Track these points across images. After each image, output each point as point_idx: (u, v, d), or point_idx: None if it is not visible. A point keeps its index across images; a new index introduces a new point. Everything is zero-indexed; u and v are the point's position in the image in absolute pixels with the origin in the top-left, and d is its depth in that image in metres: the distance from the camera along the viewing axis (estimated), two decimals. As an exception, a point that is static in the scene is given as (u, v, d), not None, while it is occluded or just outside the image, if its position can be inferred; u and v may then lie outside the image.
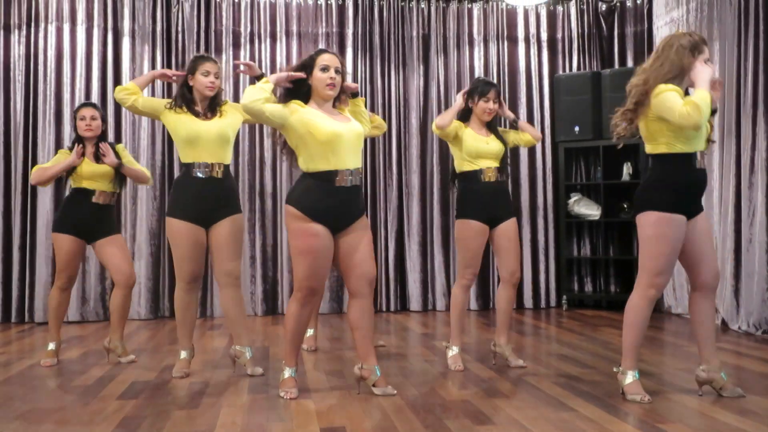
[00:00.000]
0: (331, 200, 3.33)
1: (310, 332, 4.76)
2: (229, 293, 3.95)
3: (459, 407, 3.19)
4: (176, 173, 6.47)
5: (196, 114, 3.91)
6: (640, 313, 3.26)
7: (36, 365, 4.32)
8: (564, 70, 7.15)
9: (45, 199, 6.27)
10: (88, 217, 4.32)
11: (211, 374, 3.99)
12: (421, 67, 6.96)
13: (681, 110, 3.05)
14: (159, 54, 6.56)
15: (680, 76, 3.23)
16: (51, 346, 4.37)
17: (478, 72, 7.02)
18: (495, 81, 7.00)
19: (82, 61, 6.46)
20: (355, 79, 6.59)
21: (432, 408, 3.19)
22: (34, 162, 6.24)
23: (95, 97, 6.40)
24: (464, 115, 4.18)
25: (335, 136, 3.30)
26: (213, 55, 6.56)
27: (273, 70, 6.73)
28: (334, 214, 3.36)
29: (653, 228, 3.21)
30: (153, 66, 6.54)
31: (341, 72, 3.43)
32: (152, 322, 6.22)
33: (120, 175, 4.37)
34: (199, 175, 3.85)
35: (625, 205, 6.74)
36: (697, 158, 3.23)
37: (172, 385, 3.72)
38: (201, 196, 3.85)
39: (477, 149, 4.05)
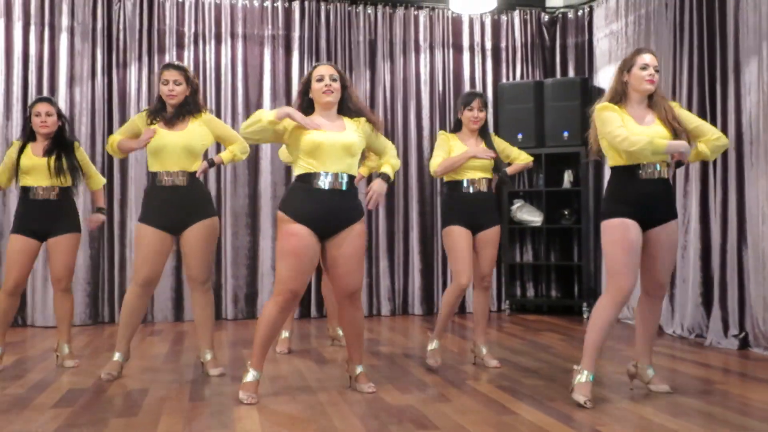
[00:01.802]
0: (312, 203, 3.38)
1: (285, 334, 4.80)
2: (195, 297, 4.04)
3: (403, 412, 3.20)
4: (116, 174, 6.32)
5: (166, 123, 3.92)
6: (603, 315, 3.34)
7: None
8: (507, 78, 7.27)
9: (7, 201, 6.05)
10: (34, 215, 4.20)
11: (150, 381, 3.91)
12: (368, 72, 6.97)
13: (613, 130, 3.29)
14: (99, 52, 6.39)
15: (624, 96, 3.44)
16: None
17: (424, 78, 7.08)
18: (440, 88, 7.08)
19: (19, 58, 6.24)
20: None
21: (377, 413, 3.19)
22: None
23: (32, 95, 6.20)
24: (457, 126, 4.31)
25: (315, 145, 3.37)
26: (156, 55, 6.48)
27: (218, 72, 6.65)
28: (318, 218, 3.37)
29: (607, 234, 3.38)
30: (93, 64, 6.36)
31: (338, 79, 3.51)
32: (90, 328, 6.05)
33: (62, 169, 4.21)
34: (163, 183, 3.88)
35: (566, 212, 6.89)
36: (644, 170, 3.37)
37: (111, 393, 3.63)
38: (168, 203, 3.88)
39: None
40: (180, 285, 6.48)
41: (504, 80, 7.22)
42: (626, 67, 3.45)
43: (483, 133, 4.27)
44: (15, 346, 5.13)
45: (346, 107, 3.56)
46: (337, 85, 3.49)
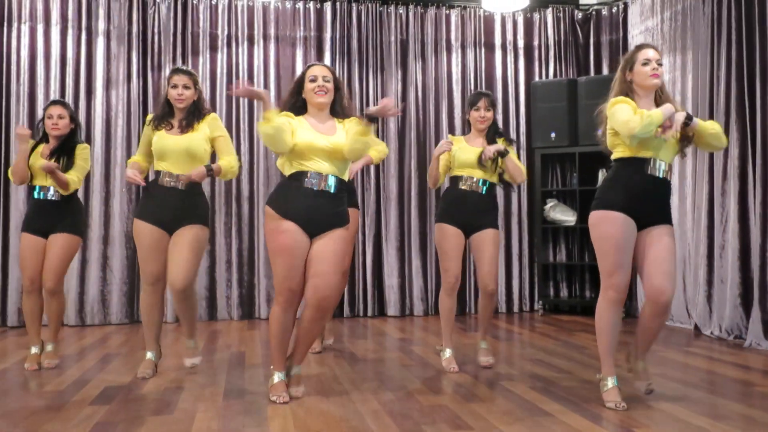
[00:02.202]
0: (301, 200, 3.37)
1: None
2: (174, 298, 3.91)
3: (436, 412, 3.19)
4: (151, 174, 6.40)
5: (171, 128, 3.93)
6: (604, 318, 3.27)
7: (7, 369, 4.24)
8: (540, 77, 7.21)
9: (18, 202, 6.17)
10: (39, 214, 4.28)
11: (185, 379, 3.95)
12: (399, 72, 6.97)
13: (622, 117, 3.16)
14: (135, 55, 6.49)
15: (630, 95, 3.34)
16: (34, 350, 4.30)
17: (456, 77, 7.05)
18: (472, 87, 7.04)
19: (57, 61, 6.37)
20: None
21: (409, 413, 3.18)
22: (8, 164, 6.14)
23: (69, 98, 6.32)
24: (468, 128, 4.30)
25: (307, 147, 3.36)
26: (190, 58, 6.56)
27: (251, 73, 6.70)
28: (305, 216, 3.37)
29: (597, 227, 3.26)
30: (128, 67, 6.47)
31: (331, 80, 3.49)
32: (126, 327, 6.15)
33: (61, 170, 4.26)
34: (164, 183, 3.90)
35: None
36: (650, 164, 3.24)
37: (146, 390, 3.68)
38: (165, 202, 3.88)
39: (460, 160, 4.17)
40: (213, 284, 6.54)
41: (537, 79, 7.16)
42: (628, 65, 3.35)
43: (493, 133, 4.23)
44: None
45: (336, 109, 3.55)
46: (330, 86, 3.47)
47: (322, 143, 3.38)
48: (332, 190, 3.41)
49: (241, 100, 6.66)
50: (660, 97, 3.38)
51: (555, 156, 7.06)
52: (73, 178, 4.27)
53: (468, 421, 3.03)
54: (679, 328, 5.76)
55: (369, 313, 6.77)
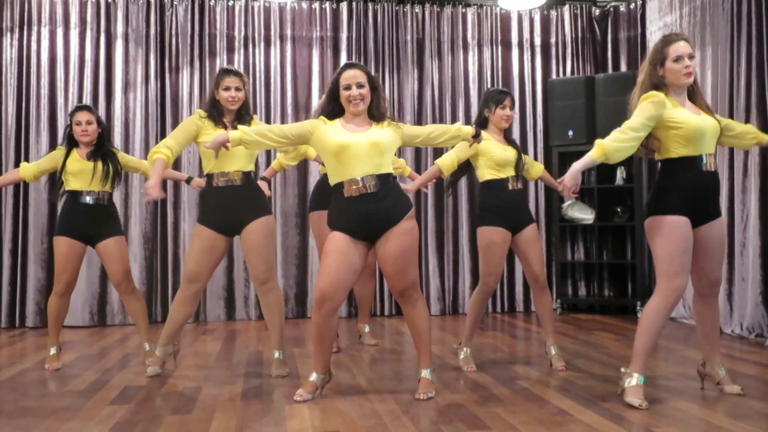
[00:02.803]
0: (346, 211, 3.37)
1: None
2: (259, 298, 4.09)
3: (454, 412, 3.18)
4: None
5: (225, 127, 3.92)
6: (656, 317, 3.22)
7: (27, 370, 4.29)
8: (557, 74, 7.17)
9: (39, 203, 6.24)
10: (81, 218, 4.31)
11: (204, 378, 3.97)
12: (416, 70, 6.96)
13: (627, 123, 3.22)
14: (153, 57, 6.54)
15: (662, 87, 3.28)
16: (53, 350, 4.35)
17: (473, 76, 7.03)
18: (489, 86, 7.02)
19: (76, 64, 6.44)
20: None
21: (427, 413, 3.18)
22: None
23: (88, 100, 6.38)
24: (482, 125, 4.23)
25: (341, 147, 3.33)
26: (207, 59, 6.60)
27: (267, 74, 6.73)
28: (353, 227, 3.36)
29: (662, 232, 3.21)
30: (146, 69, 6.52)
31: (366, 84, 3.42)
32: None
33: (109, 174, 4.32)
34: (219, 184, 3.91)
35: (619, 209, 6.76)
36: (703, 161, 3.23)
37: (165, 390, 3.70)
38: (223, 204, 3.91)
39: (505, 158, 4.11)
40: (231, 284, 6.57)
41: (554, 76, 7.13)
42: (658, 60, 3.24)
43: (509, 134, 4.24)
44: (74, 345, 5.28)
45: (373, 112, 3.47)
46: (365, 91, 3.40)
47: (354, 142, 3.34)
48: (373, 189, 3.36)
49: (273, 101, 6.69)
50: (693, 90, 3.32)
51: (573, 154, 7.00)
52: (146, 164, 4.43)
53: (486, 421, 3.02)
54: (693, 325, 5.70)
55: (386, 313, 6.77)
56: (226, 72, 3.99)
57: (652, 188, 3.36)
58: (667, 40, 3.27)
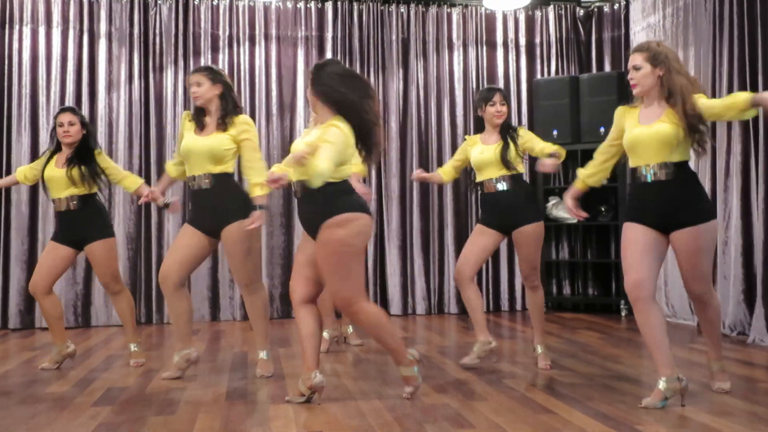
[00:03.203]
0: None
1: (325, 334, 4.68)
2: (244, 299, 4.10)
3: (438, 411, 3.18)
4: (153, 176, 6.39)
5: (203, 126, 3.89)
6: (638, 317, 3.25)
7: (10, 371, 4.24)
8: (542, 74, 7.19)
9: (20, 204, 6.19)
10: (62, 225, 4.34)
11: (188, 379, 3.95)
12: (401, 70, 6.97)
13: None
14: (136, 57, 6.50)
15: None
16: (55, 349, 4.33)
17: (458, 76, 7.04)
18: (474, 86, 7.03)
19: (58, 63, 6.38)
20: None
21: (411, 412, 3.18)
22: (8, 167, 6.15)
23: (70, 100, 6.33)
24: (480, 126, 4.28)
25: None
26: (192, 59, 6.56)
27: (252, 74, 6.70)
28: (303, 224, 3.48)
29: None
30: (130, 69, 6.48)
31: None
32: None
33: (84, 177, 4.25)
34: (192, 188, 3.92)
35: (603, 209, 6.79)
36: (642, 172, 3.28)
37: (149, 391, 3.67)
38: (200, 207, 3.91)
39: (479, 160, 4.16)
40: (216, 284, 6.54)
41: (539, 76, 7.15)
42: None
43: (506, 129, 4.19)
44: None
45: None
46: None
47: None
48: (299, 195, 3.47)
49: (257, 101, 6.66)
50: (670, 94, 3.27)
51: (557, 154, 7.04)
52: (135, 178, 4.48)
53: (470, 420, 3.02)
54: (682, 325, 5.75)
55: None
56: (192, 71, 3.98)
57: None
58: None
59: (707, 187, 5.46)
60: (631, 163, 3.33)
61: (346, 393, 3.57)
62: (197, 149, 3.84)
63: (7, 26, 6.33)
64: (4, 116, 6.27)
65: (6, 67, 6.30)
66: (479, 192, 4.25)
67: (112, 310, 6.29)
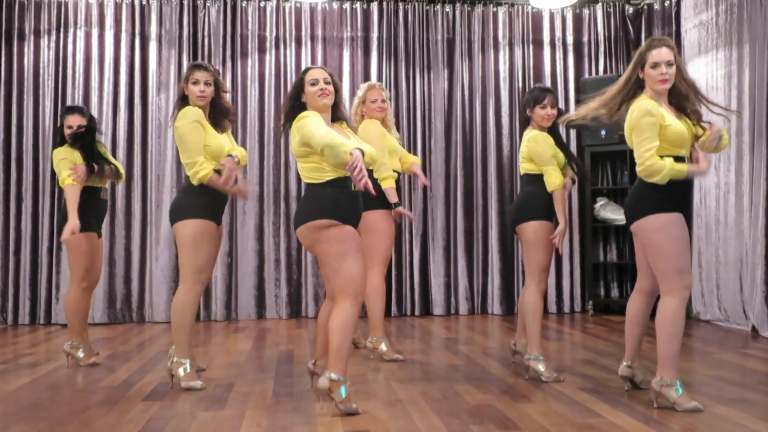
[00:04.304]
0: (351, 204, 3.33)
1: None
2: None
3: (484, 412, 3.17)
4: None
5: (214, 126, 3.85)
6: (680, 319, 3.21)
7: (62, 366, 4.36)
8: (590, 73, 7.10)
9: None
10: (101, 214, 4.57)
11: (236, 376, 4.00)
12: (446, 70, 6.95)
13: (643, 144, 3.26)
14: (186, 58, 6.61)
15: (642, 90, 3.37)
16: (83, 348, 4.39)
17: (504, 75, 6.99)
18: (520, 85, 6.97)
19: (110, 65, 6.54)
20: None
21: (457, 413, 3.17)
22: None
23: (123, 102, 6.49)
24: (525, 124, 4.15)
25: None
26: (239, 60, 6.66)
27: (297, 75, 6.73)
28: (356, 218, 3.36)
29: (667, 230, 3.22)
30: (179, 71, 6.60)
31: (332, 82, 3.41)
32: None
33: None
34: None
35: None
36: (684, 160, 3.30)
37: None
38: (223, 199, 3.86)
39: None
40: (262, 283, 6.61)
41: (586, 75, 7.05)
42: (639, 63, 3.32)
43: (553, 131, 4.12)
44: (109, 341, 5.36)
45: (336, 113, 3.46)
46: (332, 88, 3.39)
47: (354, 145, 3.24)
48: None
49: (274, 103, 6.72)
50: (674, 93, 3.32)
51: (605, 154, 6.94)
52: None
53: (516, 421, 3.00)
54: (736, 330, 5.60)
55: (416, 312, 6.76)
56: (195, 66, 3.84)
57: (644, 185, 3.27)
58: (650, 45, 3.31)
59: (763, 188, 5.31)
60: (677, 152, 3.25)
61: (392, 393, 3.57)
62: (226, 149, 3.81)
63: (62, 30, 6.51)
64: (59, 117, 6.42)
65: (61, 70, 6.49)
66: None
67: (159, 307, 6.42)
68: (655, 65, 3.26)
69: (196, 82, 3.80)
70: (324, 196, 3.24)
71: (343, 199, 3.26)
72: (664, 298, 3.22)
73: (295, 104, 3.39)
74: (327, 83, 3.37)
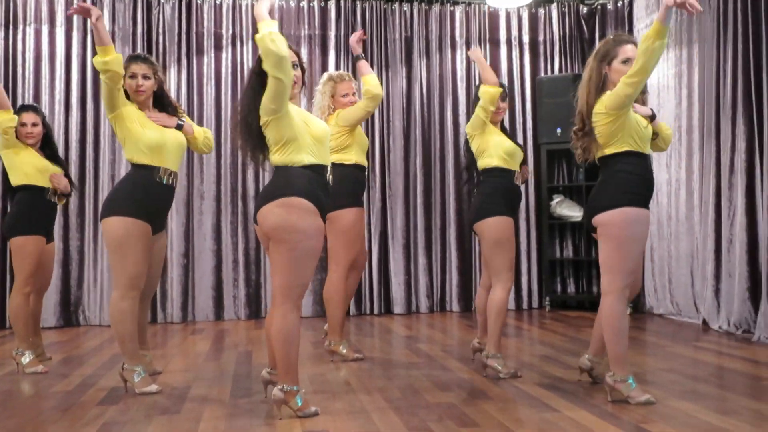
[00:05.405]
0: (325, 195, 3.13)
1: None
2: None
3: (443, 409, 3.18)
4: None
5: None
6: (624, 317, 3.27)
7: (12, 373, 4.24)
8: (546, 72, 7.18)
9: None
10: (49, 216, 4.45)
11: (193, 379, 3.95)
12: (404, 69, 6.96)
13: (629, 73, 3.19)
14: (139, 56, 6.49)
15: (603, 89, 3.36)
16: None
17: (461, 74, 7.04)
18: (477, 83, 7.01)
19: (62, 63, 6.39)
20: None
21: (416, 411, 3.18)
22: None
23: (75, 101, 6.35)
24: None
25: (325, 134, 3.18)
26: (195, 57, 6.57)
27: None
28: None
29: (632, 227, 3.21)
30: (133, 68, 6.47)
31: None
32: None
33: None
34: (162, 182, 3.59)
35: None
36: (647, 157, 3.37)
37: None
38: (162, 200, 3.62)
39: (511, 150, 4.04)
40: (220, 283, 6.54)
41: (542, 74, 7.14)
42: (607, 58, 3.30)
43: (502, 126, 4.17)
44: (63, 345, 5.25)
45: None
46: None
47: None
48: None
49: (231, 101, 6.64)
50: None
51: (561, 152, 7.03)
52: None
53: (475, 419, 3.02)
54: (687, 323, 5.74)
55: (375, 311, 6.76)
56: (132, 58, 3.65)
57: (613, 179, 3.27)
58: (618, 40, 3.33)
59: (712, 185, 5.45)
60: (639, 148, 3.26)
61: (351, 392, 3.56)
62: (172, 142, 3.59)
63: (11, 26, 6.34)
64: (8, 116, 6.27)
65: (10, 67, 6.31)
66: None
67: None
68: (627, 60, 3.25)
69: (133, 76, 3.59)
70: (302, 176, 3.00)
71: (319, 188, 3.05)
72: (606, 298, 3.25)
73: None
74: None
